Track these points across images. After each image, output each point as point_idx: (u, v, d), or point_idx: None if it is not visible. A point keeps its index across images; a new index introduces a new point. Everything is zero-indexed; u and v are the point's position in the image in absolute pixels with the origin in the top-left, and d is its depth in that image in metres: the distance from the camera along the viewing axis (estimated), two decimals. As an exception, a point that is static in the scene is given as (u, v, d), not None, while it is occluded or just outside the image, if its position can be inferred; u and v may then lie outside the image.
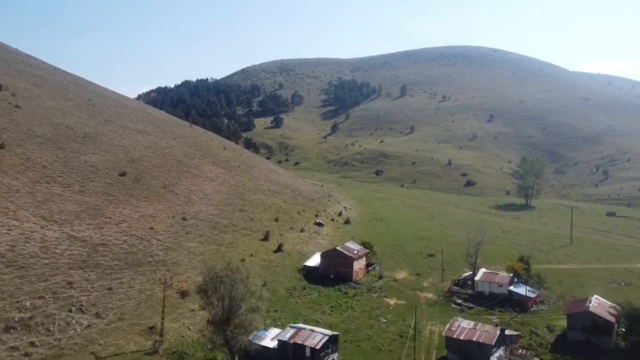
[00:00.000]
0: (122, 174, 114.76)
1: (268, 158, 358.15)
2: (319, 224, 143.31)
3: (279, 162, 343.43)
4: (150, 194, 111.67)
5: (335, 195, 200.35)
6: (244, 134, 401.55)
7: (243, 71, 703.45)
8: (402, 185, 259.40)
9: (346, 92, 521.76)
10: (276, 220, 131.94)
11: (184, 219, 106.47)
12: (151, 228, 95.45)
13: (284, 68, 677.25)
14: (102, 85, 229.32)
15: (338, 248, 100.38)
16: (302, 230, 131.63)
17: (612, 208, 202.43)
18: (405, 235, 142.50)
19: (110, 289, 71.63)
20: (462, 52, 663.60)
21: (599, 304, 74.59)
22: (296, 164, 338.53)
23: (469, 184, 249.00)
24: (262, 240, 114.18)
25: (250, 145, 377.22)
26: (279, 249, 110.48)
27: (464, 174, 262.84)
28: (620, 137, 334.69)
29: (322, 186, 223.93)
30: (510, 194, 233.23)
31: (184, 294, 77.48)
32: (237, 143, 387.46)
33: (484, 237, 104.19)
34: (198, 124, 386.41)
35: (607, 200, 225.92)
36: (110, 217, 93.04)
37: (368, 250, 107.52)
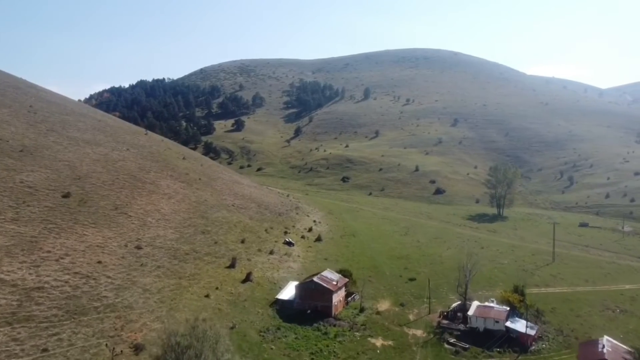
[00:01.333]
0: (66, 195, 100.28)
1: (229, 163, 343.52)
2: (289, 243, 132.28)
3: (241, 167, 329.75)
4: (99, 219, 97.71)
5: (303, 207, 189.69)
6: (204, 138, 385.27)
7: (202, 71, 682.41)
8: (371, 194, 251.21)
9: (309, 94, 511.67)
10: (242, 241, 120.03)
11: (139, 247, 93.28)
12: (99, 262, 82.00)
13: (244, 68, 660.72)
14: (48, 88, 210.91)
15: (315, 279, 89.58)
16: (271, 252, 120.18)
17: (583, 217, 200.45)
18: (381, 253, 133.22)
19: (45, 350, 58.58)
20: (423, 55, 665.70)
21: (613, 349, 67.00)
22: (259, 169, 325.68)
23: (439, 191, 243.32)
24: (228, 267, 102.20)
25: (210, 150, 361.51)
26: (248, 278, 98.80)
27: (433, 181, 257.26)
28: (580, 142, 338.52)
29: (288, 196, 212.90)
30: (480, 202, 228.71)
31: (138, 349, 64.98)
32: (196, 148, 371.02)
33: (475, 265, 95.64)
34: (155, 127, 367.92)
35: (576, 209, 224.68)
36: (49, 251, 79.13)
37: (347, 279, 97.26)
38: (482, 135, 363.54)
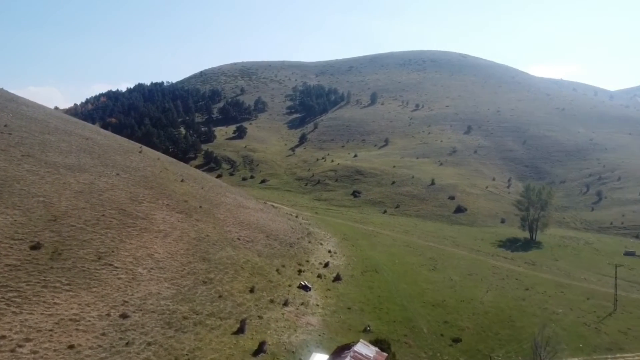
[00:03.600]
0: (36, 247, 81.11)
1: (231, 174, 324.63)
2: (305, 288, 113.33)
3: (244, 179, 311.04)
4: (75, 276, 78.59)
5: (315, 232, 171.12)
6: (204, 146, 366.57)
7: (202, 74, 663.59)
8: (385, 211, 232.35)
9: (313, 98, 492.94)
10: (252, 290, 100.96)
11: (125, 315, 74.16)
12: (71, 347, 62.95)
13: (246, 71, 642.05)
14: (32, 100, 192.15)
15: (348, 360, 70.39)
16: (285, 304, 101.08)
17: (623, 242, 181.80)
18: (412, 299, 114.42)
19: None
20: (430, 58, 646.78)
21: None
22: (263, 181, 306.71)
23: (460, 210, 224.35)
24: (236, 333, 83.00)
25: (211, 159, 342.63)
26: (261, 348, 79.63)
27: (452, 197, 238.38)
28: (604, 151, 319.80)
29: (297, 217, 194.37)
30: (507, 222, 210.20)
31: None
32: (196, 157, 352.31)
33: (552, 343, 76.53)
34: (152, 135, 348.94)
35: (612, 230, 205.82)
36: (4, 337, 60.09)
37: (386, 355, 78.13)
38: (497, 144, 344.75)
